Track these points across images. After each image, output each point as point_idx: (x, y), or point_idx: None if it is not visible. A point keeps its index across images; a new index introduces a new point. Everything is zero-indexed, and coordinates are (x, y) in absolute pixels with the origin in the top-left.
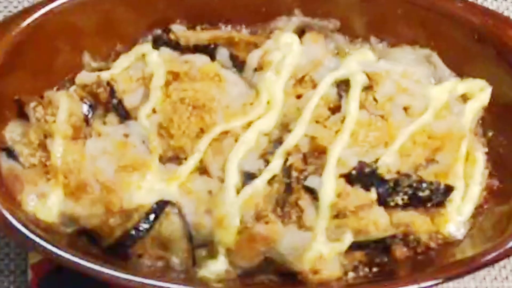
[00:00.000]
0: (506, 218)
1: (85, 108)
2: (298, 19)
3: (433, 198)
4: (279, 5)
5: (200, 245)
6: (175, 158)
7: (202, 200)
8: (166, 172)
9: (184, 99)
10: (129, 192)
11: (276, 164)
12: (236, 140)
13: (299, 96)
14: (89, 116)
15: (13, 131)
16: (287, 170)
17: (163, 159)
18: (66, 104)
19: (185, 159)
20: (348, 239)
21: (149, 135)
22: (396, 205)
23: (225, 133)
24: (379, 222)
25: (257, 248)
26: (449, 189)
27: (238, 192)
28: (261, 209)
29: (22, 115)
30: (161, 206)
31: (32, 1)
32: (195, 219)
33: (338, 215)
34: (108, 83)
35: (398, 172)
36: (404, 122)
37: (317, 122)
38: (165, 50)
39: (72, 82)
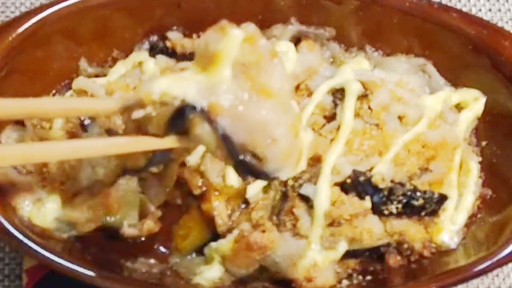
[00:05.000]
0: (499, 228)
1: None
2: (294, 27)
3: (427, 207)
4: (275, 13)
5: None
6: None
7: None
8: None
9: None
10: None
11: None
12: None
13: None
14: (85, 122)
15: (9, 137)
16: None
17: None
18: None
19: None
20: (342, 247)
21: None
22: (390, 214)
23: None
24: (373, 230)
25: (253, 256)
26: (442, 198)
27: None
28: (258, 217)
29: (18, 121)
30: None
31: (30, 6)
32: None
33: (333, 223)
34: None
35: (392, 181)
36: (399, 131)
37: (312, 130)
38: (162, 58)
39: (68, 87)
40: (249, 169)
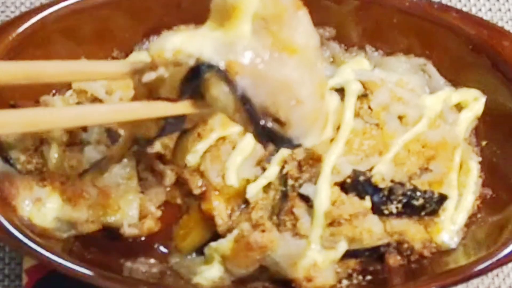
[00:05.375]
0: (499, 227)
1: None
2: None
3: (427, 206)
4: None
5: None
6: None
7: None
8: None
9: None
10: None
11: (272, 172)
12: (233, 147)
13: None
14: None
15: (8, 136)
16: (283, 177)
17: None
18: None
19: None
20: (342, 247)
21: None
22: (390, 214)
23: (222, 139)
24: (373, 230)
25: (253, 256)
26: (442, 198)
27: None
28: (258, 217)
29: None
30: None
31: (30, 6)
32: None
33: (333, 223)
34: None
35: (392, 181)
36: (399, 131)
37: None
38: None
39: (68, 87)
40: (270, 135)
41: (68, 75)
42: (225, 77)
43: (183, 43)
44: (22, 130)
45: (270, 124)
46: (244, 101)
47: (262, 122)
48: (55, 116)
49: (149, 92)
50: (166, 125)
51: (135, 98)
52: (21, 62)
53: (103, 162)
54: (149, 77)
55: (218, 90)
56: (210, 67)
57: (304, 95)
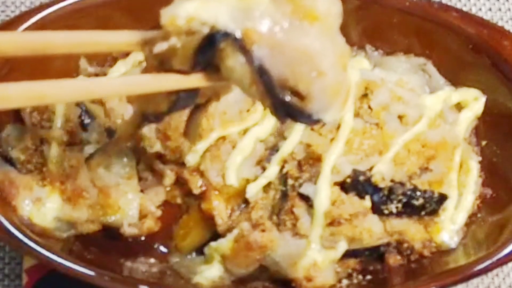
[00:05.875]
0: (499, 227)
1: (81, 113)
2: None
3: (427, 206)
4: None
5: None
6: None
7: None
8: None
9: None
10: None
11: (272, 171)
12: (233, 147)
13: None
14: (85, 121)
15: (9, 135)
16: (283, 177)
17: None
18: (62, 110)
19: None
20: (342, 246)
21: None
22: (390, 213)
23: (222, 138)
24: (373, 230)
25: (253, 256)
26: (442, 198)
27: None
28: (258, 217)
29: (18, 120)
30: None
31: (30, 5)
32: None
33: (333, 222)
34: None
35: (392, 180)
36: (399, 131)
37: (312, 129)
38: None
39: None
40: (288, 109)
41: (76, 46)
42: (242, 46)
43: (197, 10)
44: (27, 104)
45: (288, 98)
46: (261, 73)
47: (280, 95)
48: (62, 88)
49: (160, 64)
50: (178, 99)
51: (145, 70)
52: (28, 33)
53: (110, 144)
54: (160, 47)
55: (233, 61)
56: (226, 35)
57: (326, 66)
